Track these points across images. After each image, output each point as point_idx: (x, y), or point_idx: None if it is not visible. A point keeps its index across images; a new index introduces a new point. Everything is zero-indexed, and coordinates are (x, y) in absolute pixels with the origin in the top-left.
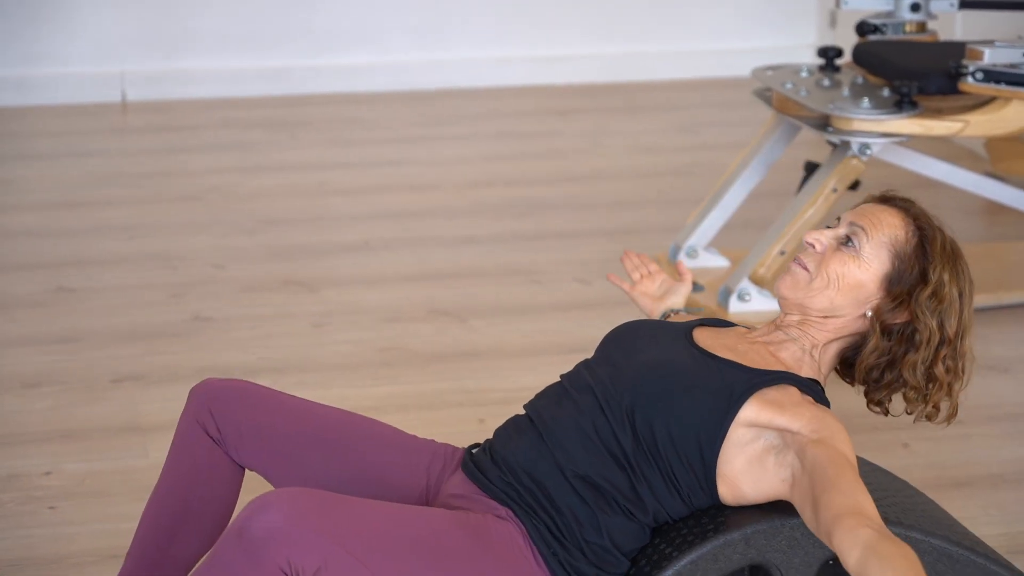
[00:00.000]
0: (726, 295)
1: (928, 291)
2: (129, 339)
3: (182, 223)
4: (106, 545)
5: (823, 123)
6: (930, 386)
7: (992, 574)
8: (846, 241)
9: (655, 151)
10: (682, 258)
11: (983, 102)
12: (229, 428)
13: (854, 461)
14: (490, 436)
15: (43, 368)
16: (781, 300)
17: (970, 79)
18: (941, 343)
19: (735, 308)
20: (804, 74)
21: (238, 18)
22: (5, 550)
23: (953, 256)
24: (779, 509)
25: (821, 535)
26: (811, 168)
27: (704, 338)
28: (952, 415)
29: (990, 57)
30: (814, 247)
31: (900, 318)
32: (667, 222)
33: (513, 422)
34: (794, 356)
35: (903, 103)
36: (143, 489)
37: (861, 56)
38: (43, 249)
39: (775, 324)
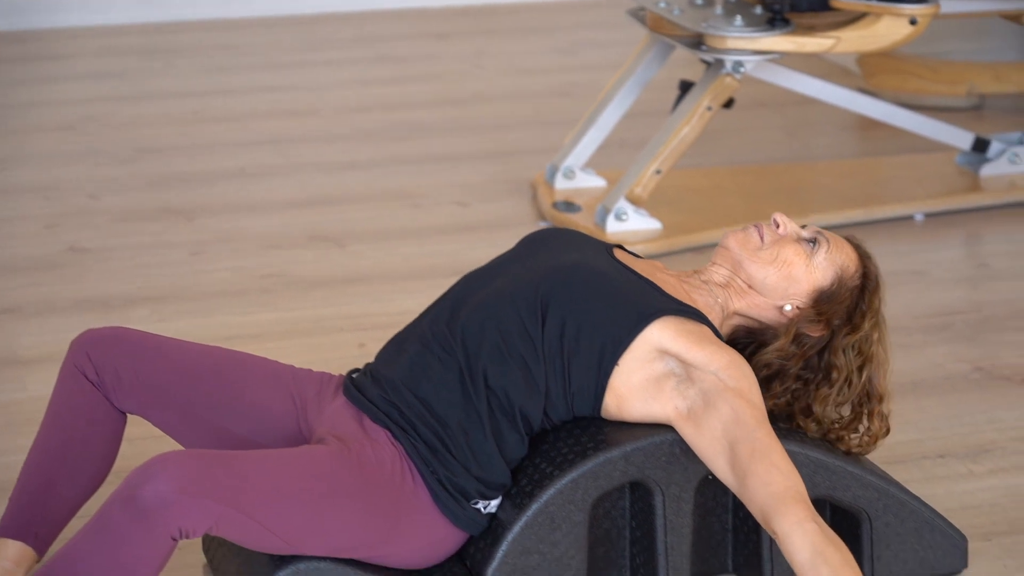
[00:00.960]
0: (603, 215)
1: (855, 337)
2: (4, 272)
3: (56, 153)
4: None
5: (697, 42)
6: (839, 424)
7: (868, 484)
8: (807, 241)
9: (533, 73)
10: (559, 179)
11: (855, 18)
12: (108, 374)
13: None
14: (371, 360)
15: None
16: (722, 250)
17: None
18: (869, 398)
19: (612, 228)
20: None
21: None
22: None
23: (881, 321)
24: (658, 428)
25: (748, 503)
26: (686, 87)
27: (624, 257)
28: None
29: None
30: (778, 226)
31: (815, 332)
32: (545, 143)
33: (397, 340)
34: (707, 303)
35: (775, 20)
36: (22, 423)
37: None
38: None
39: (696, 271)
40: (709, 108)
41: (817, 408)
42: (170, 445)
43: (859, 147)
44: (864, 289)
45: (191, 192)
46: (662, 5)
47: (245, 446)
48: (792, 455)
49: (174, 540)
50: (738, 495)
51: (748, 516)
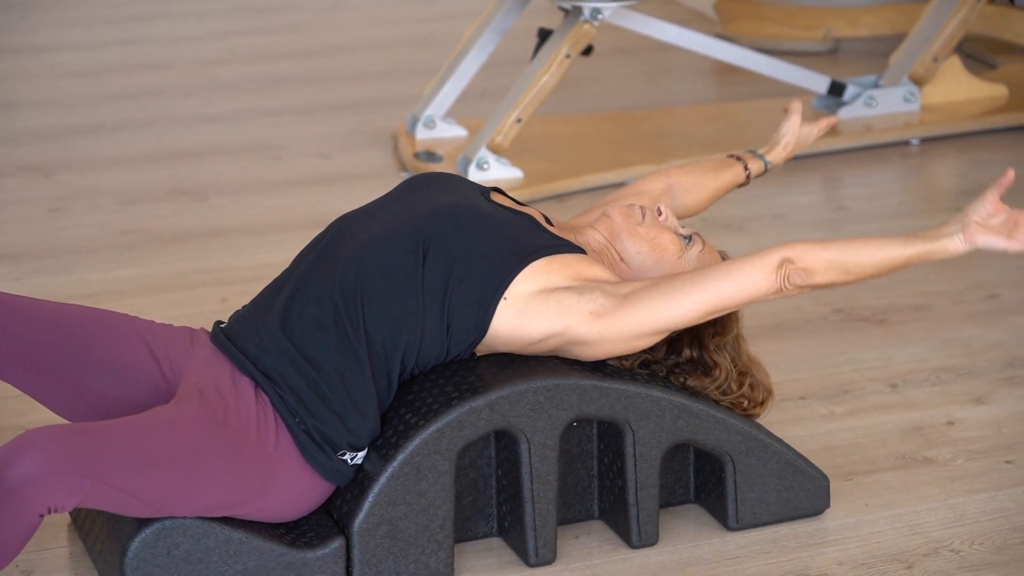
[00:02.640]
0: (465, 164)
1: (723, 340)
2: None
3: None
4: None
5: None
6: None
7: (730, 427)
8: (684, 237)
9: (392, 22)
10: (420, 129)
11: None
12: None
13: None
14: (234, 313)
15: None
16: (604, 218)
17: None
18: (741, 375)
19: (475, 177)
20: None
21: None
22: None
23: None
24: (521, 375)
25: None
26: (544, 35)
27: (503, 199)
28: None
29: None
30: (660, 214)
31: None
32: (406, 93)
33: (272, 286)
34: (592, 248)
35: None
36: None
37: None
38: None
39: (574, 229)
40: (568, 56)
41: (694, 385)
42: (29, 403)
43: (718, 92)
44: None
45: (48, 148)
46: None
47: (106, 403)
48: (655, 400)
49: (41, 517)
50: (726, 303)
51: (613, 462)
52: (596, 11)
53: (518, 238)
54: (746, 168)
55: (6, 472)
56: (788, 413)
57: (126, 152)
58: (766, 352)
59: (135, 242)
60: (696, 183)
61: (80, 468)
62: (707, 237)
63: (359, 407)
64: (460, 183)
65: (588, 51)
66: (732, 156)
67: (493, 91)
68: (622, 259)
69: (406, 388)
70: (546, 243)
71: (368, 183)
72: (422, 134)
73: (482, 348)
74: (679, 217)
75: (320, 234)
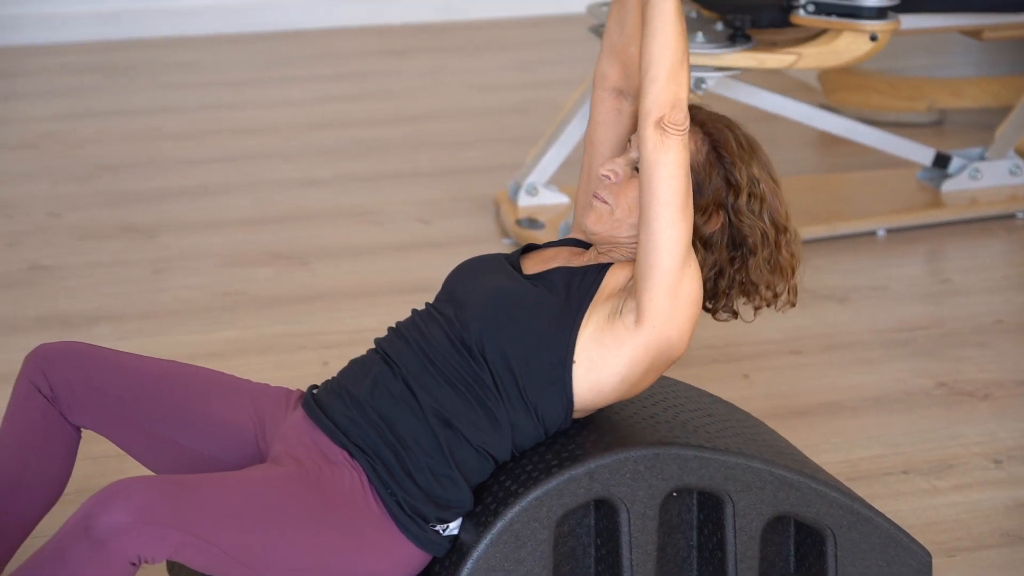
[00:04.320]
0: (566, 231)
1: (744, 195)
2: None
3: (16, 171)
4: None
5: None
6: (776, 275)
7: (832, 501)
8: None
9: (493, 90)
10: (523, 196)
11: (815, 34)
12: (63, 389)
13: None
14: (327, 381)
15: None
16: (592, 235)
17: (802, 12)
18: (779, 233)
19: None
20: None
21: None
22: None
23: (751, 149)
24: (622, 443)
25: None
26: None
27: (530, 265)
28: (793, 299)
29: None
30: (609, 178)
31: (714, 226)
32: (507, 160)
33: (361, 359)
34: (612, 256)
35: (736, 36)
36: None
37: None
38: None
39: (595, 248)
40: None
41: (755, 278)
42: (131, 464)
43: (821, 163)
44: (719, 154)
45: (151, 210)
46: None
47: (201, 462)
48: (756, 472)
49: (133, 566)
50: (679, 193)
51: (713, 534)
52: (700, 80)
53: (555, 304)
54: None
55: (96, 520)
56: (890, 487)
57: (227, 215)
58: (868, 426)
59: (235, 304)
60: (630, 38)
61: (170, 519)
62: (808, 309)
63: (448, 485)
64: (493, 265)
65: None
66: None
67: None
68: (631, 237)
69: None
70: (583, 291)
71: (469, 249)
72: (524, 201)
73: (580, 413)
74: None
75: (404, 322)
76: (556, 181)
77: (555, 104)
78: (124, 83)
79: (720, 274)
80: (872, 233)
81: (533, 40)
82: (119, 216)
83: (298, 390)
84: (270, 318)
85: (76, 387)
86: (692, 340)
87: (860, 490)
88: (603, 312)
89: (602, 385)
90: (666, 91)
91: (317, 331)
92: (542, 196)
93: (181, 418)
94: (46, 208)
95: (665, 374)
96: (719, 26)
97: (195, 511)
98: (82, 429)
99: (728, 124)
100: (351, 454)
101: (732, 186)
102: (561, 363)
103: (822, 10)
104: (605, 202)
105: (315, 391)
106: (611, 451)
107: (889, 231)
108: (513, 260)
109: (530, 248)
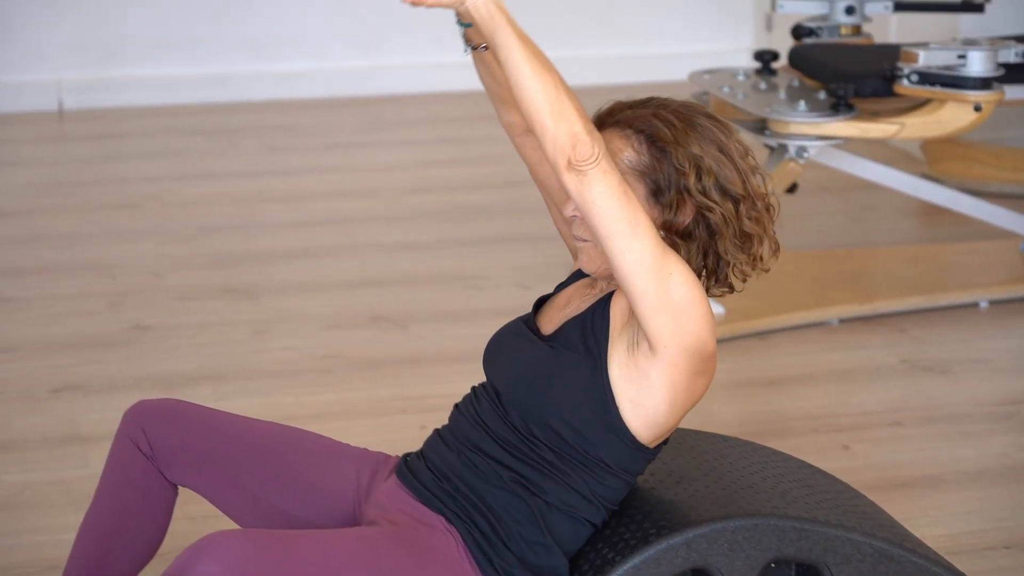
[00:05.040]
0: None
1: (691, 177)
2: (67, 349)
3: (120, 231)
4: (45, 556)
5: (760, 126)
6: (748, 245)
7: (932, 574)
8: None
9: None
10: None
11: (918, 104)
12: (161, 446)
13: None
14: (420, 449)
15: None
16: (593, 274)
17: (905, 82)
18: (736, 204)
19: None
20: (741, 78)
21: (174, 25)
22: None
23: (685, 126)
24: (720, 513)
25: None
26: None
27: (547, 319)
28: (776, 250)
29: (925, 59)
30: (576, 216)
31: (687, 216)
32: None
33: (438, 432)
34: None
35: (839, 106)
36: (82, 500)
37: (797, 59)
38: None
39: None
40: (772, 193)
41: (730, 257)
42: (227, 523)
43: (923, 233)
44: (651, 140)
45: (253, 271)
46: (726, 90)
47: (296, 524)
48: (856, 544)
49: None
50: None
51: None
52: (802, 149)
53: (577, 360)
54: (476, 47)
55: (190, 571)
56: (992, 563)
57: (329, 277)
58: (969, 500)
59: (335, 367)
60: (506, 84)
61: (263, 572)
62: (909, 380)
63: (541, 552)
64: (511, 338)
65: (793, 188)
66: (474, 49)
67: None
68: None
69: (604, 521)
70: (597, 335)
71: None
72: None
73: (657, 440)
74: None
75: (466, 397)
76: None
77: None
78: (228, 145)
79: (706, 255)
80: (975, 305)
81: None
82: (221, 277)
83: (395, 456)
84: (369, 381)
85: (174, 445)
86: (792, 411)
87: (962, 565)
88: (622, 347)
89: (655, 416)
90: (559, 135)
91: (416, 395)
92: None
93: (281, 481)
94: (149, 268)
95: (765, 444)
96: (822, 95)
97: (287, 565)
98: (179, 487)
99: (655, 111)
100: (448, 519)
101: (680, 172)
102: (606, 412)
103: (926, 80)
104: (585, 239)
105: (408, 459)
106: (710, 521)
107: (992, 303)
108: (528, 320)
109: (544, 299)
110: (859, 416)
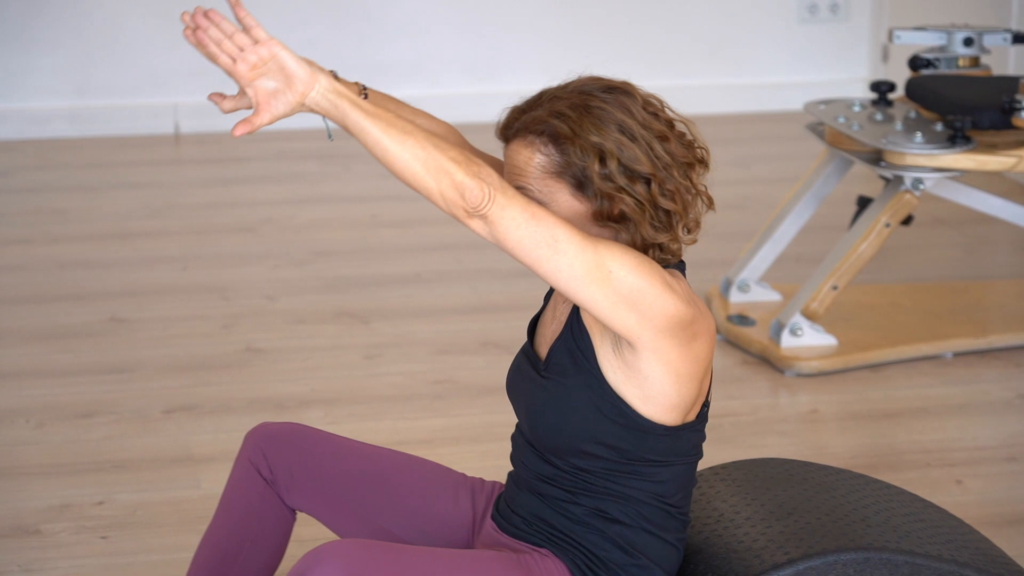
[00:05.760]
0: (778, 330)
1: (595, 165)
2: (181, 370)
3: (234, 254)
4: (158, 575)
5: (876, 158)
6: (668, 223)
7: None
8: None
9: (707, 184)
10: (734, 292)
11: None
12: (282, 470)
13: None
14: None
15: (97, 398)
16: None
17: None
18: (647, 184)
19: (787, 343)
20: (857, 108)
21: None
22: None
23: (581, 112)
24: (832, 546)
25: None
26: (864, 203)
27: (542, 341)
28: (709, 204)
29: None
30: None
31: (618, 203)
32: (719, 256)
33: (511, 474)
34: None
35: (956, 138)
36: (194, 520)
37: (914, 90)
38: (97, 280)
39: None
40: (887, 224)
41: (657, 239)
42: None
43: None
44: (554, 141)
45: (366, 296)
46: (841, 120)
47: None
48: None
49: None
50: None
51: None
52: (918, 181)
53: (574, 382)
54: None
55: (308, 574)
56: None
57: (441, 303)
58: None
59: (446, 392)
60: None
61: None
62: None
63: (635, 570)
64: (517, 375)
65: (908, 221)
66: (363, 91)
67: (809, 257)
68: None
69: (711, 544)
70: (582, 348)
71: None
72: (735, 297)
73: (680, 418)
74: None
75: (513, 437)
76: (769, 278)
77: (770, 200)
78: (342, 170)
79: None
80: None
81: (749, 136)
82: (334, 301)
83: (502, 484)
84: (481, 407)
85: (294, 469)
86: (905, 444)
87: None
88: (608, 352)
89: (669, 399)
90: (444, 191)
91: None
92: (754, 293)
93: (397, 508)
94: (263, 292)
95: (878, 477)
96: (939, 127)
97: (402, 572)
98: (297, 512)
99: (549, 107)
100: (553, 551)
101: (585, 163)
102: (624, 417)
103: None
104: None
105: (499, 501)
106: (821, 554)
107: None
108: (527, 350)
109: (537, 317)
110: (973, 451)
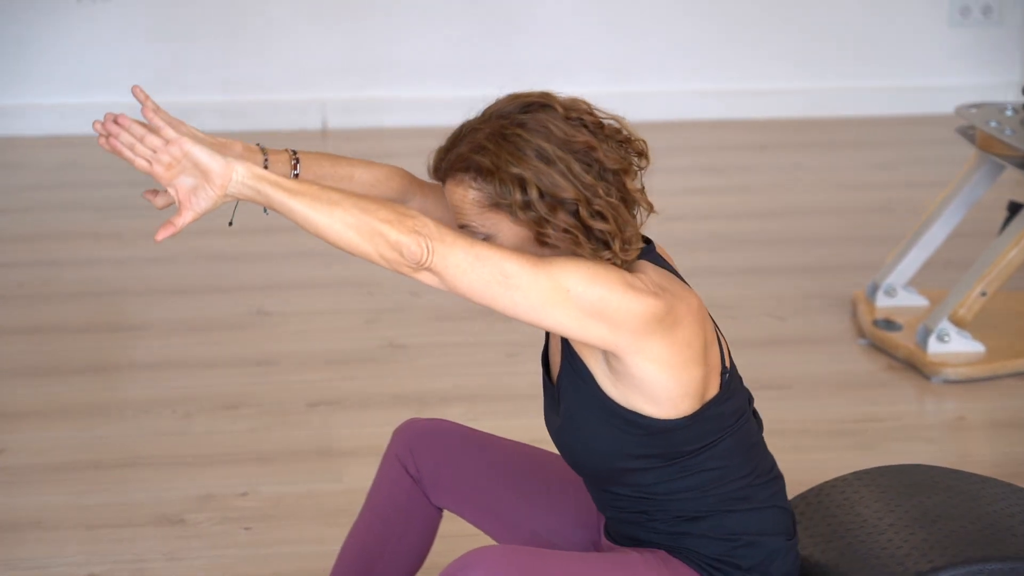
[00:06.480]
0: (925, 335)
1: (517, 196)
2: (324, 364)
3: None
4: (299, 568)
5: None
6: (605, 243)
7: None
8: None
9: (853, 188)
10: (880, 296)
11: None
12: (428, 469)
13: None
14: None
15: (241, 390)
16: None
17: None
18: (573, 210)
19: (934, 349)
20: (1009, 112)
21: (437, 48)
22: (200, 569)
23: (498, 142)
24: (980, 554)
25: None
26: (1015, 208)
27: (554, 362)
28: (649, 211)
29: None
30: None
31: (560, 218)
32: (864, 260)
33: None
34: None
35: None
36: (336, 514)
37: None
38: (243, 273)
39: None
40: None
41: (593, 254)
42: (483, 541)
43: None
44: (482, 175)
45: None
46: (993, 124)
47: (546, 546)
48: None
49: None
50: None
51: None
52: None
53: (588, 402)
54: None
55: None
56: None
57: None
58: None
59: None
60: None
61: None
62: None
63: (755, 554)
64: (548, 412)
65: None
66: (293, 158)
67: (957, 262)
68: None
69: (853, 549)
70: (583, 374)
71: (823, 348)
72: (882, 301)
73: (700, 401)
74: None
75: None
76: (916, 283)
77: (917, 205)
78: None
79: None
80: None
81: (897, 139)
82: None
83: None
84: None
85: (441, 467)
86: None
87: None
88: (602, 370)
89: (675, 391)
90: (384, 252)
91: None
92: (900, 298)
93: (540, 507)
94: (406, 287)
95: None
96: None
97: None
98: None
99: (469, 142)
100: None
101: (512, 196)
102: (643, 426)
103: None
104: None
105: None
106: (965, 562)
107: None
108: (546, 384)
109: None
110: None
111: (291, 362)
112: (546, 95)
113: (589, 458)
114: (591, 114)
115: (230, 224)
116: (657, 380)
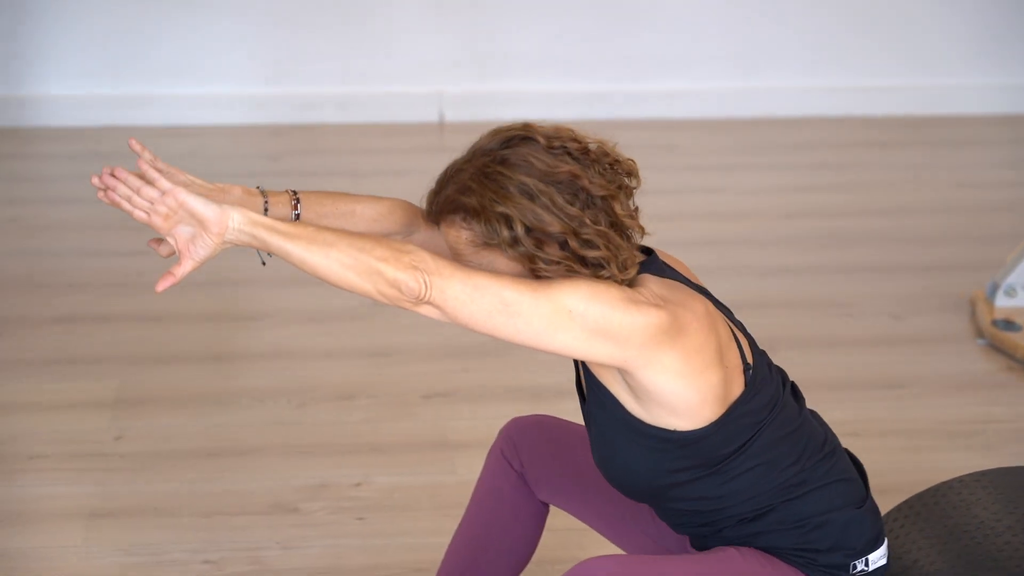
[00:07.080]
0: None
1: (504, 234)
2: (440, 356)
3: None
4: (412, 559)
5: None
6: (600, 269)
7: None
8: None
9: (976, 186)
10: (1000, 296)
11: None
12: (533, 464)
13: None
14: None
15: (358, 380)
16: None
17: None
18: (562, 242)
19: None
20: None
21: (557, 42)
22: (315, 557)
23: (482, 182)
24: None
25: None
26: None
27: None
28: (642, 233)
29: None
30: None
31: (551, 249)
32: (985, 259)
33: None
34: None
35: None
36: (450, 506)
37: None
38: None
39: None
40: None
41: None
42: (590, 538)
43: None
44: (470, 218)
45: None
46: None
47: (650, 545)
48: None
49: None
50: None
51: None
52: None
53: (617, 417)
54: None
55: None
56: None
57: None
58: None
59: None
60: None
61: None
62: None
63: (829, 537)
64: (591, 420)
65: None
66: (293, 198)
67: None
68: None
69: (970, 551)
70: (606, 398)
71: (941, 348)
72: (1002, 301)
73: (725, 404)
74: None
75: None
76: None
77: None
78: None
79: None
80: None
81: (1018, 137)
82: None
83: None
84: None
85: (545, 461)
86: None
87: None
88: (622, 389)
89: (694, 402)
90: (383, 290)
91: None
92: (1020, 298)
93: (643, 508)
94: None
95: None
96: None
97: None
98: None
99: (456, 183)
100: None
101: (500, 235)
102: (671, 441)
103: None
104: None
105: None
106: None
107: None
108: (583, 411)
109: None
110: None
111: (406, 353)
112: (527, 127)
113: (634, 481)
114: (575, 140)
115: (263, 264)
116: (674, 391)
